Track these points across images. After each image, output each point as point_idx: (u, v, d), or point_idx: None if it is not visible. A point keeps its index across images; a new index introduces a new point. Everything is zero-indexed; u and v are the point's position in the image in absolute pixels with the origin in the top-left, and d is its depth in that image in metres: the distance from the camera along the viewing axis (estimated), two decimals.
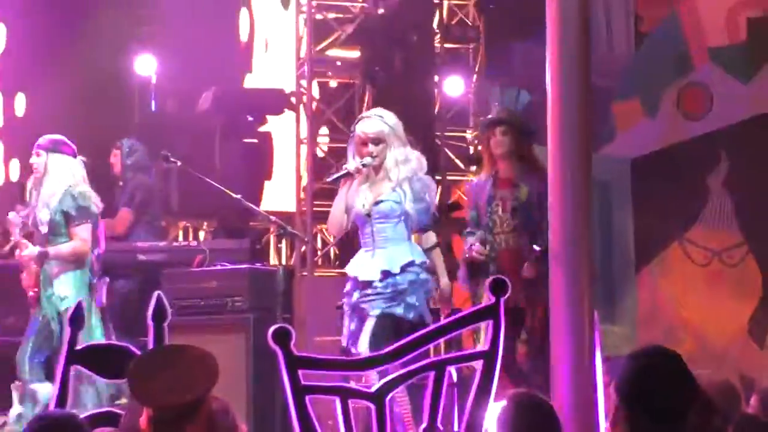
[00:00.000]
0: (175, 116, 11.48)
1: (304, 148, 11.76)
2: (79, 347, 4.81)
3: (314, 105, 11.89)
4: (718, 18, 10.67)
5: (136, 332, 6.95)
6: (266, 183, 11.33)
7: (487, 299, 6.72)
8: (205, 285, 7.93)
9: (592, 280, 5.60)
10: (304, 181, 11.63)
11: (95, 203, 7.44)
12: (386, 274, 6.62)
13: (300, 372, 4.67)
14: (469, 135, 12.25)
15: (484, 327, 6.03)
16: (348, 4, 12.10)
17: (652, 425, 3.51)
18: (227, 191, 8.27)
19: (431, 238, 6.88)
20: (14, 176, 11.80)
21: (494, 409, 4.34)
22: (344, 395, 4.76)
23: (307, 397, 4.67)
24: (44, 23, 11.25)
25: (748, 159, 10.39)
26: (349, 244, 11.90)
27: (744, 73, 10.60)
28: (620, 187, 9.88)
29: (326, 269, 11.58)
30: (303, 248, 11.62)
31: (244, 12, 12.22)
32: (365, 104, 11.82)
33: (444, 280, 6.93)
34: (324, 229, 11.69)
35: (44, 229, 7.36)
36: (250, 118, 11.35)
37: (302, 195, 11.66)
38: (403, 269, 6.62)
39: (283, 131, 11.83)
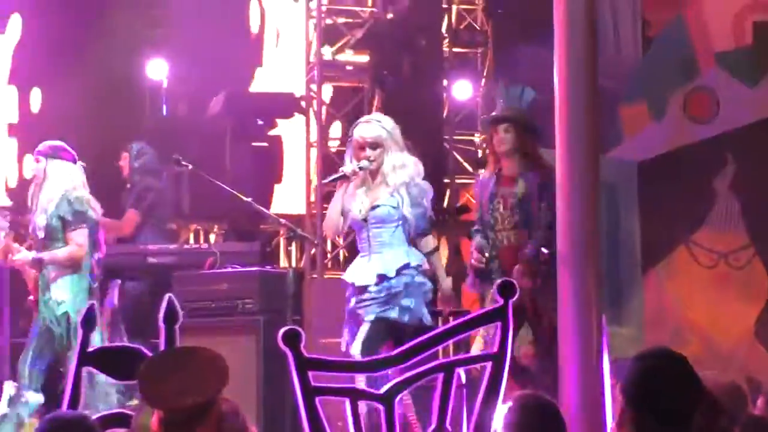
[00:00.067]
0: (186, 120, 11.48)
1: (313, 152, 11.76)
2: (91, 349, 4.81)
3: (324, 109, 11.89)
4: (725, 22, 10.65)
5: (147, 334, 6.96)
6: (276, 186, 11.33)
7: (492, 301, 6.76)
8: (216, 287, 7.93)
9: (599, 282, 5.59)
10: (314, 184, 11.62)
11: (93, 208, 7.42)
12: (382, 278, 6.61)
13: (310, 373, 4.67)
14: (477, 138, 12.24)
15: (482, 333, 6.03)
16: (358, 9, 12.10)
17: (658, 426, 3.50)
18: (238, 194, 8.27)
19: (430, 242, 6.86)
20: (28, 173, 11.75)
21: (502, 411, 4.33)
22: (354, 396, 4.76)
23: (317, 399, 4.66)
24: (59, 22, 11.24)
25: (755, 162, 10.37)
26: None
27: (750, 77, 10.58)
28: (627, 190, 9.87)
29: (336, 271, 11.57)
30: (313, 251, 11.61)
31: (254, 3, 12.19)
32: (374, 108, 11.81)
33: (445, 282, 6.91)
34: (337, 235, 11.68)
35: (41, 234, 7.39)
36: (261, 122, 11.35)
37: (312, 198, 11.66)
38: (399, 272, 6.60)
39: (293, 135, 11.83)
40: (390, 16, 11.82)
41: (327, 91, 12.16)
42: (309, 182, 11.67)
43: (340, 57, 12.02)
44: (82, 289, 7.29)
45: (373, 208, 6.69)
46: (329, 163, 11.60)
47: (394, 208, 6.66)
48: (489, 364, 4.89)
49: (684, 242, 10.54)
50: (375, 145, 6.73)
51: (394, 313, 6.57)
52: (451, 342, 5.57)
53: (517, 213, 6.94)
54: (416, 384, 4.84)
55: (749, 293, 10.36)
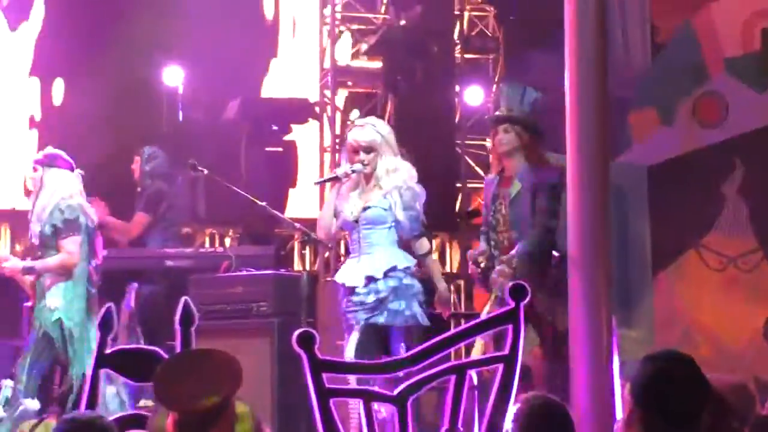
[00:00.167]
0: (201, 125, 11.49)
1: (327, 156, 11.77)
2: (108, 351, 4.82)
3: (338, 114, 11.89)
4: (734, 29, 10.62)
5: (163, 336, 6.96)
6: (291, 190, 11.33)
7: (493, 300, 6.74)
8: (231, 290, 7.94)
9: (609, 285, 5.59)
10: (328, 189, 11.62)
11: (88, 216, 7.41)
12: (369, 279, 6.59)
13: (324, 375, 4.67)
14: (488, 143, 12.21)
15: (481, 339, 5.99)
16: (371, 15, 12.12)
17: (666, 427, 3.49)
18: (253, 198, 8.28)
19: (424, 244, 6.83)
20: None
21: (513, 412, 4.33)
22: (368, 398, 4.76)
23: (331, 400, 4.66)
24: (81, 16, 11.25)
25: (763, 166, 10.34)
26: None
27: (759, 82, 10.55)
28: (637, 194, 9.85)
29: None
30: (326, 254, 11.61)
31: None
32: (387, 113, 11.82)
33: (441, 285, 6.86)
34: (346, 236, 11.68)
35: (36, 242, 7.42)
36: (275, 127, 11.35)
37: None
38: (386, 275, 6.59)
39: (307, 140, 11.84)
40: (403, 22, 11.82)
41: (341, 97, 12.17)
42: (323, 186, 11.67)
43: (354, 63, 12.03)
44: (76, 296, 7.29)
45: (365, 209, 6.68)
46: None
47: (385, 210, 6.66)
48: (500, 366, 4.88)
49: (693, 246, 10.51)
50: (369, 148, 6.72)
51: (382, 318, 6.56)
52: (463, 344, 5.57)
53: (510, 216, 6.89)
54: (429, 385, 4.84)
55: (758, 296, 10.32)
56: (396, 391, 4.79)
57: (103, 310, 4.94)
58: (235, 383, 3.77)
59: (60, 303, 7.25)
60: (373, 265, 6.63)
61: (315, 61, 12.03)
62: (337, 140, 11.59)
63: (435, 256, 11.94)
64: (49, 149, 7.75)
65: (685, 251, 10.54)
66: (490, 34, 12.32)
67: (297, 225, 8.41)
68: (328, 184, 7.60)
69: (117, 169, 9.89)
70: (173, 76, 11.27)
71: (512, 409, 4.51)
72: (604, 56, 5.70)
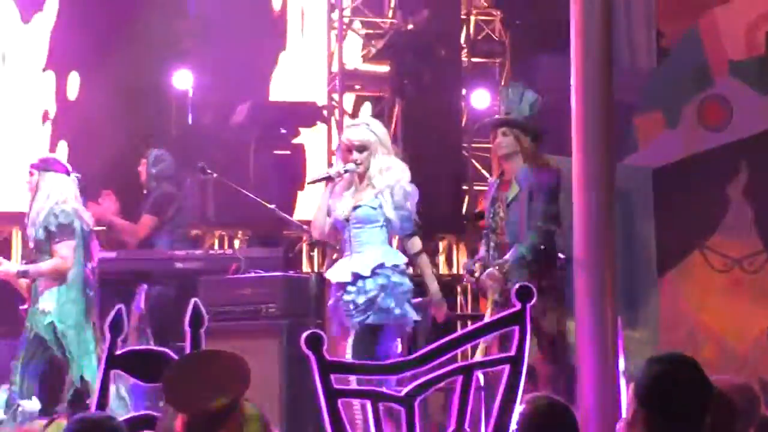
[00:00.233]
0: (211, 129, 11.50)
1: (335, 159, 11.75)
2: (118, 352, 4.82)
3: (345, 118, 11.89)
4: (738, 32, 10.62)
5: (172, 338, 6.97)
6: (299, 193, 11.33)
7: (492, 300, 6.72)
8: (240, 292, 7.94)
9: (615, 286, 5.58)
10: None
11: (83, 220, 7.39)
12: (356, 276, 6.55)
13: (332, 376, 4.67)
14: None
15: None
16: (378, 19, 12.12)
17: (669, 428, 3.50)
18: (261, 201, 8.28)
19: (416, 244, 6.75)
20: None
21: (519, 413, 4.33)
22: (375, 398, 4.75)
23: (339, 401, 4.66)
24: (93, 22, 11.25)
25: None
26: None
27: (763, 85, 10.55)
28: (642, 196, 9.83)
29: None
30: (334, 256, 11.60)
31: None
32: (395, 117, 11.82)
33: (433, 286, 6.79)
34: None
35: (32, 245, 7.43)
36: (284, 131, 11.36)
37: None
38: (374, 272, 6.54)
39: (315, 143, 11.84)
40: (410, 27, 11.82)
41: (349, 100, 12.16)
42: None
43: (361, 67, 12.03)
44: (69, 300, 7.29)
45: (355, 208, 6.65)
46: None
47: (374, 209, 6.61)
48: (507, 367, 4.88)
49: (698, 247, 10.51)
50: (362, 148, 6.69)
51: (373, 318, 6.51)
52: (469, 346, 5.56)
53: (507, 217, 6.85)
54: (436, 386, 4.84)
55: (762, 297, 10.31)
56: (403, 392, 4.79)
57: (113, 311, 4.94)
58: (244, 384, 3.77)
59: (52, 307, 7.24)
60: (360, 262, 6.59)
61: (323, 65, 12.03)
62: None
63: (442, 257, 12.03)
64: (45, 153, 7.77)
65: (690, 253, 10.53)
66: (496, 38, 12.31)
67: (305, 227, 8.41)
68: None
69: (127, 168, 9.89)
70: (183, 80, 11.28)
71: (518, 409, 4.51)
72: (610, 60, 5.69)
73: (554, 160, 7.02)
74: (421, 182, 11.31)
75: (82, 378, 7.22)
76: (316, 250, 11.93)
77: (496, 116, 7.04)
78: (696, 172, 10.39)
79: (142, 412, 5.03)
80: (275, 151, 11.24)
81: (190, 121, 11.48)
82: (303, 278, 8.36)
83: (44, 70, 11.45)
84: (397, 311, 6.56)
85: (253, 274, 8.20)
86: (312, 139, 11.81)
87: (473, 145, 12.00)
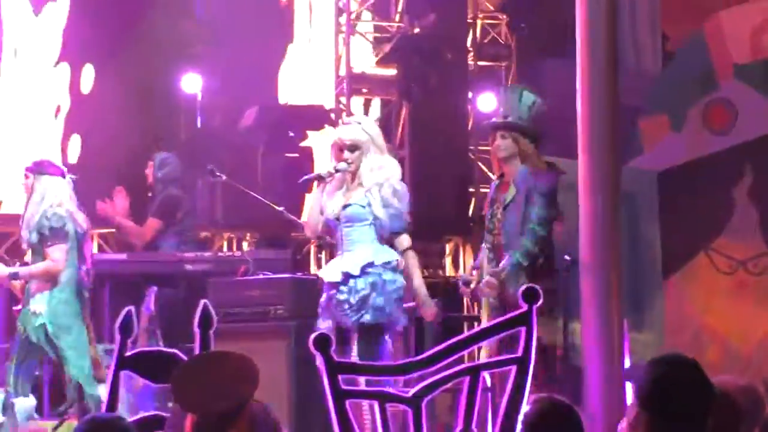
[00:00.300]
0: (220, 132, 11.51)
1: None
2: (128, 353, 4.82)
3: None
4: (743, 36, 10.59)
5: (182, 339, 6.97)
6: (307, 195, 11.33)
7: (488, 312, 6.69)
8: (249, 294, 7.94)
9: (620, 289, 5.59)
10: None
11: (76, 222, 7.36)
12: (347, 275, 6.52)
13: (340, 377, 4.67)
14: None
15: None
16: (385, 23, 12.12)
17: (671, 429, 3.49)
18: (270, 204, 8.28)
19: (403, 242, 6.64)
20: (73, 158, 11.64)
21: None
22: (382, 399, 4.76)
23: (347, 402, 4.66)
24: (104, 18, 11.25)
25: None
26: None
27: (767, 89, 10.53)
28: (647, 199, 9.81)
29: None
30: None
31: None
32: (402, 120, 11.83)
33: (417, 283, 6.66)
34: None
35: (25, 247, 7.43)
36: (292, 134, 11.37)
37: None
38: (363, 271, 6.50)
39: (323, 146, 11.84)
40: (417, 30, 11.83)
41: (357, 104, 12.17)
42: None
43: (369, 70, 12.03)
44: (61, 302, 7.28)
45: (345, 207, 6.61)
46: None
47: (363, 207, 6.56)
48: (513, 368, 4.88)
49: (703, 249, 10.48)
50: (353, 147, 6.64)
51: (368, 317, 6.47)
52: (476, 347, 5.56)
53: (503, 218, 6.80)
54: (443, 387, 4.84)
55: (767, 299, 10.30)
56: (411, 393, 4.79)
57: (123, 313, 4.95)
58: (253, 385, 3.77)
59: (44, 308, 7.23)
60: (351, 261, 6.55)
61: (331, 68, 12.03)
62: None
63: (449, 259, 12.03)
64: (40, 156, 7.78)
65: (695, 255, 10.51)
66: (502, 42, 12.32)
67: None
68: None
69: (138, 167, 9.87)
70: (192, 84, 11.29)
71: (525, 409, 4.51)
72: (615, 63, 5.70)
73: (559, 163, 6.99)
74: (427, 184, 11.34)
75: (77, 382, 7.20)
76: (323, 252, 11.94)
77: (494, 119, 6.99)
78: (701, 174, 10.37)
79: (152, 413, 5.04)
80: (283, 154, 11.25)
81: (198, 125, 11.49)
82: (311, 280, 8.35)
83: (56, 63, 11.42)
84: (387, 309, 6.50)
85: (261, 276, 8.21)
86: (320, 142, 11.82)
87: (479, 147, 12.00)
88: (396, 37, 11.87)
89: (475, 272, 6.95)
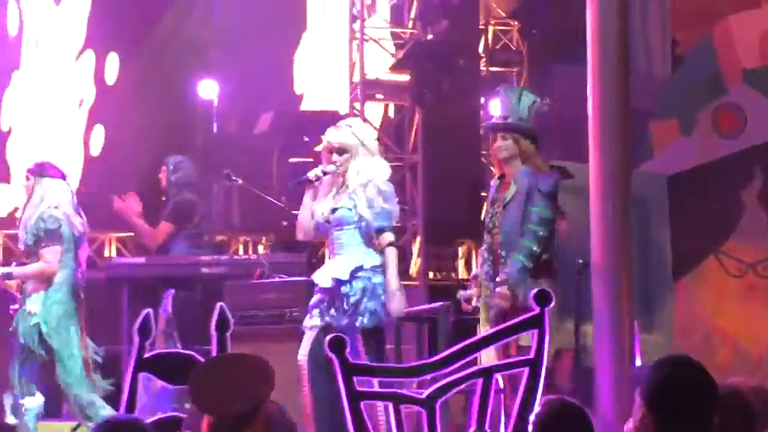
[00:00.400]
0: (236, 137, 11.53)
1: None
2: (147, 355, 4.83)
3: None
4: (752, 41, 10.58)
5: (198, 341, 6.97)
6: None
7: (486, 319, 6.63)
8: (265, 296, 7.94)
9: (631, 291, 5.57)
10: None
11: (72, 225, 7.34)
12: (337, 281, 6.45)
13: (354, 378, 4.67)
14: None
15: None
16: (398, 30, 12.13)
17: (678, 430, 3.49)
18: (285, 207, 8.28)
19: (386, 237, 6.50)
20: (95, 150, 11.62)
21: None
22: (397, 401, 4.75)
23: (361, 403, 4.66)
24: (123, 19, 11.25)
25: None
26: (401, 256, 11.92)
27: None
28: (658, 203, 9.78)
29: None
30: None
31: None
32: (415, 125, 11.83)
33: (388, 275, 6.47)
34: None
35: (22, 248, 7.42)
36: (306, 139, 11.37)
37: None
38: (353, 275, 6.44)
39: None
40: (429, 37, 11.83)
41: (373, 109, 12.15)
42: None
43: (383, 76, 12.04)
44: (55, 303, 7.25)
45: (334, 210, 6.56)
46: None
47: (350, 210, 6.50)
48: (526, 370, 4.88)
49: (713, 252, 10.47)
50: (341, 150, 6.58)
51: (364, 321, 6.39)
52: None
53: (501, 218, 6.69)
54: (457, 388, 4.84)
55: None
56: (425, 394, 4.79)
57: (141, 315, 4.95)
58: (269, 387, 3.77)
59: (38, 309, 7.22)
60: (339, 266, 6.50)
61: (345, 74, 12.04)
62: None
63: (461, 262, 12.03)
64: (41, 158, 7.77)
65: (705, 258, 10.50)
66: (514, 48, 12.32)
67: None
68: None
69: (154, 171, 9.85)
70: (208, 90, 11.31)
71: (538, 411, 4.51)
72: (626, 68, 5.68)
73: (569, 167, 6.96)
74: (440, 188, 11.34)
75: (68, 384, 7.18)
76: None
77: (494, 119, 6.91)
78: (711, 178, 10.35)
79: (169, 414, 5.05)
80: (298, 159, 11.26)
81: (215, 130, 11.51)
82: None
83: (80, 53, 11.40)
84: (381, 311, 6.43)
85: (276, 279, 8.21)
86: None
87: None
88: (409, 44, 11.87)
89: (474, 286, 6.82)
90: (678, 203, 9.94)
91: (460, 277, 11.86)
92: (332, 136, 6.66)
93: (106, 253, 11.44)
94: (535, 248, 6.44)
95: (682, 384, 3.49)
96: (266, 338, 7.41)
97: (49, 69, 11.40)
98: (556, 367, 7.01)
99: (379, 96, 12.20)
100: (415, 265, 11.82)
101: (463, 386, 4.88)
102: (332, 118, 11.73)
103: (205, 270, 8.97)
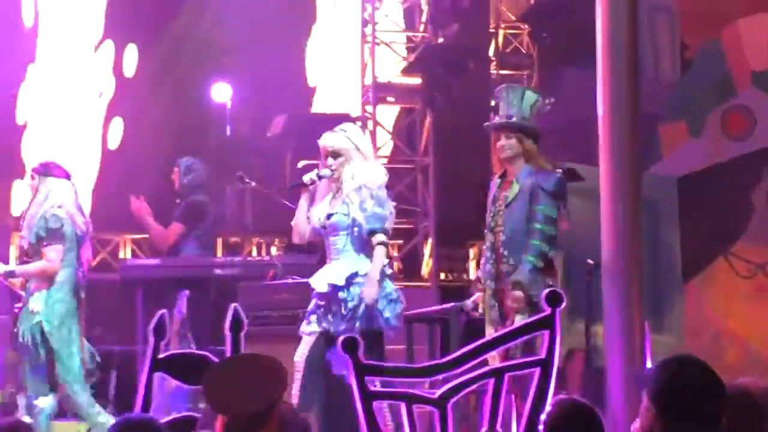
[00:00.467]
0: (249, 140, 11.53)
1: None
2: (162, 355, 4.83)
3: (378, 129, 11.91)
4: (761, 44, 10.57)
5: (212, 341, 6.97)
6: None
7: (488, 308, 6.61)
8: (278, 297, 7.94)
9: (642, 292, 5.56)
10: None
11: (75, 225, 7.33)
12: (333, 287, 6.45)
13: (367, 378, 4.67)
14: None
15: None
16: (410, 33, 12.13)
17: (683, 429, 3.48)
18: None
19: (377, 238, 6.49)
20: (114, 143, 11.62)
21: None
22: (409, 400, 4.75)
23: (374, 403, 4.66)
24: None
25: None
26: (413, 258, 11.92)
27: None
28: (668, 205, 9.78)
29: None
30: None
31: None
32: (426, 128, 11.83)
33: (371, 266, 6.44)
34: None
35: (25, 247, 7.42)
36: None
37: None
38: (349, 282, 6.43)
39: None
40: (440, 40, 11.83)
41: (385, 112, 12.14)
42: None
43: (394, 79, 12.04)
44: (57, 301, 7.24)
45: (329, 216, 6.55)
46: None
47: (345, 215, 6.49)
48: (537, 370, 4.87)
49: (723, 254, 10.45)
50: (336, 154, 6.58)
51: (364, 324, 6.36)
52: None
53: (504, 216, 6.64)
54: (469, 388, 4.83)
55: None
56: (437, 394, 4.78)
57: (156, 316, 4.95)
58: (282, 387, 3.77)
59: (41, 307, 7.21)
60: (335, 272, 6.49)
61: (357, 77, 12.05)
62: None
63: (473, 263, 12.01)
64: (46, 158, 7.77)
65: (715, 259, 10.48)
66: (524, 51, 12.31)
67: None
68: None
69: (172, 167, 9.83)
70: (221, 93, 11.32)
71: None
72: (636, 71, 5.68)
73: (580, 169, 6.94)
74: (451, 190, 11.33)
75: (68, 382, 7.17)
76: None
77: (498, 118, 6.85)
78: (720, 180, 10.34)
79: (184, 414, 5.05)
80: (307, 161, 11.25)
81: (228, 133, 11.52)
82: None
83: (98, 44, 11.37)
84: (379, 315, 6.42)
85: (290, 280, 8.21)
86: None
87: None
88: (420, 47, 11.88)
89: (476, 290, 6.77)
90: (687, 205, 9.93)
91: (471, 278, 11.85)
92: (327, 140, 6.66)
93: (121, 255, 11.46)
94: (544, 248, 6.41)
95: (688, 384, 3.48)
96: (279, 339, 7.41)
97: (67, 61, 11.34)
98: (568, 367, 7.02)
99: (391, 99, 12.20)
100: (426, 266, 11.82)
101: (474, 386, 4.87)
102: (344, 121, 11.78)
103: (218, 271, 8.99)
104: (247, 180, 9.05)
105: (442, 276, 11.93)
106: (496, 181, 6.79)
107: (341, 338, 4.76)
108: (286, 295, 7.95)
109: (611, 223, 5.59)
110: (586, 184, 6.82)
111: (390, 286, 6.56)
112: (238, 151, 11.16)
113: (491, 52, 12.20)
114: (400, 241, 11.83)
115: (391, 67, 12.06)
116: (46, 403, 7.13)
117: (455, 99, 11.39)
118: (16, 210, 11.21)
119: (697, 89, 10.81)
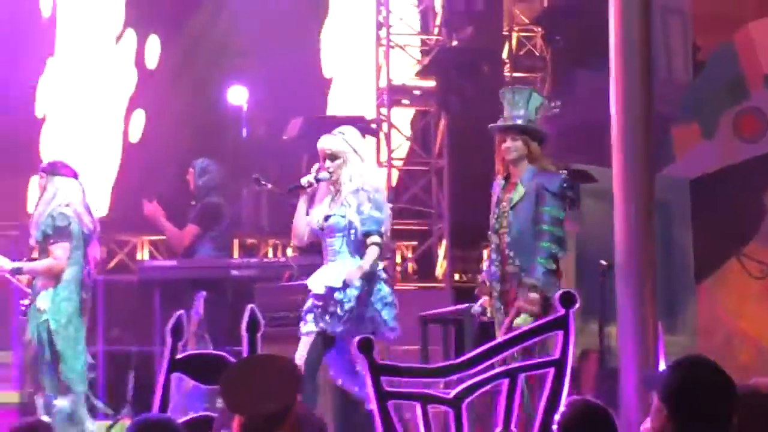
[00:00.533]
0: (265, 142, 11.54)
1: (384, 171, 11.77)
2: (179, 356, 4.83)
3: (393, 131, 11.90)
4: None
5: (229, 342, 6.97)
6: None
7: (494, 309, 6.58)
8: (294, 298, 7.93)
9: (655, 293, 5.56)
10: None
11: (82, 223, 7.33)
12: (330, 288, 6.44)
13: (382, 378, 4.66)
14: None
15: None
16: (424, 36, 12.13)
17: (695, 430, 3.47)
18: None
19: (371, 239, 6.48)
20: (135, 136, 11.60)
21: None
22: (424, 400, 4.75)
23: (389, 402, 4.66)
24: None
25: None
26: (427, 259, 11.92)
27: None
28: (680, 206, 9.76)
29: (405, 283, 11.57)
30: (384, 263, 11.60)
31: None
32: (440, 130, 11.82)
33: (363, 263, 6.43)
34: (403, 246, 11.70)
35: (33, 244, 7.43)
36: None
37: None
38: (346, 283, 6.41)
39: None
40: (455, 43, 11.82)
41: (400, 114, 12.14)
42: None
43: (409, 82, 12.04)
44: (63, 299, 7.24)
45: (327, 218, 6.55)
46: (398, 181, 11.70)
47: (343, 217, 6.49)
48: (551, 370, 4.86)
49: (735, 255, 10.43)
50: (333, 156, 6.58)
51: (358, 327, 6.33)
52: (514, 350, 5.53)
53: (510, 218, 6.59)
54: (484, 388, 4.83)
55: None
56: (452, 394, 4.78)
57: (173, 317, 4.95)
58: (299, 387, 3.77)
59: (48, 305, 7.20)
60: (332, 274, 6.49)
61: (372, 80, 12.04)
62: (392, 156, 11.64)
63: (486, 264, 11.99)
64: (55, 158, 7.78)
65: (727, 260, 10.46)
66: (537, 54, 12.29)
67: None
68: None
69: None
70: (238, 95, 11.32)
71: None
72: (649, 73, 5.67)
73: (592, 171, 6.93)
74: (465, 192, 11.30)
75: (71, 378, 7.17)
76: None
77: (502, 120, 6.81)
78: (732, 182, 10.32)
79: (201, 414, 5.05)
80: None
81: (244, 135, 11.52)
82: None
83: (119, 36, 11.32)
84: (375, 318, 6.43)
85: (306, 281, 8.20)
86: None
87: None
88: (434, 50, 11.87)
89: (482, 294, 6.73)
90: (700, 206, 9.91)
91: None
92: (325, 142, 6.67)
93: (139, 256, 11.47)
94: (554, 249, 6.36)
95: (699, 384, 3.47)
96: (296, 340, 7.40)
97: (88, 52, 11.26)
98: (582, 368, 7.00)
99: (405, 101, 12.19)
100: (440, 267, 11.82)
101: (489, 386, 4.86)
102: (359, 123, 11.78)
103: (235, 272, 8.99)
104: (263, 182, 9.04)
105: (456, 277, 11.92)
106: (499, 182, 6.72)
107: (356, 339, 4.76)
108: (302, 296, 7.93)
109: (624, 224, 5.58)
110: (599, 185, 6.81)
111: (385, 289, 6.56)
112: (254, 152, 11.16)
113: (505, 55, 12.18)
114: (415, 243, 11.83)
115: (406, 69, 12.05)
116: (61, 403, 7.13)
117: (469, 101, 11.38)
118: (32, 207, 11.19)
119: (709, 91, 10.80)
